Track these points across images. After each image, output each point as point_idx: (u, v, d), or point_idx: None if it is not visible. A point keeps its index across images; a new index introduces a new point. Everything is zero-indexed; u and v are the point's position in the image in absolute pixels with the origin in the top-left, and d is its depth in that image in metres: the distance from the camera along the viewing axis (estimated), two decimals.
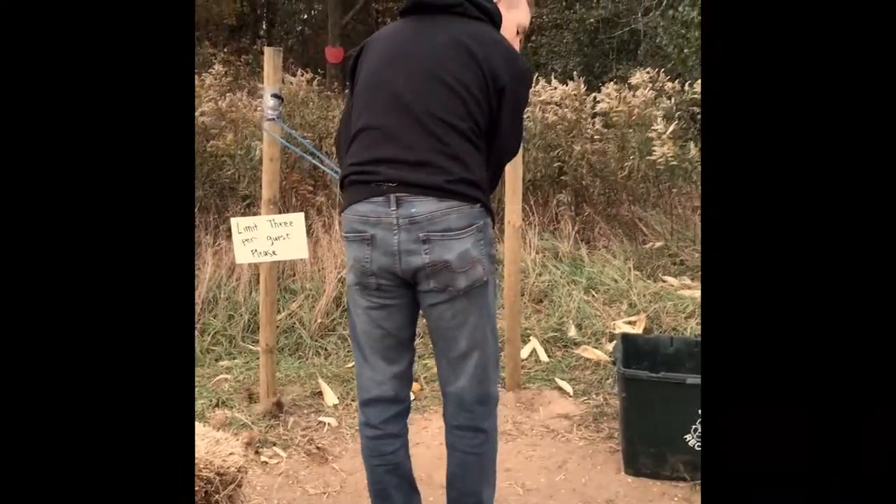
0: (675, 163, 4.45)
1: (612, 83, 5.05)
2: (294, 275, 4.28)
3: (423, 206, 1.75)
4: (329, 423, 3.17)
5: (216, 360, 3.74)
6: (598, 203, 4.98)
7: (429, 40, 1.83)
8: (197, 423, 2.29)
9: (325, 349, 3.87)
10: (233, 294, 4.08)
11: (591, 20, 9.35)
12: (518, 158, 3.24)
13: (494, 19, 1.91)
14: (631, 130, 4.78)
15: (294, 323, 3.96)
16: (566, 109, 4.75)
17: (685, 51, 7.28)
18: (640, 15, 8.73)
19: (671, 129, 4.37)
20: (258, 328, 3.96)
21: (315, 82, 5.81)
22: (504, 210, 3.34)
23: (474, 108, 1.79)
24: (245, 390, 3.38)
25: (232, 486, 2.04)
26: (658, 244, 4.94)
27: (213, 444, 2.11)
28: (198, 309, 4.01)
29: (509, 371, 3.39)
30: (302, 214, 3.17)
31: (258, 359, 3.74)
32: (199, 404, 3.25)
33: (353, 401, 3.36)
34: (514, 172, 3.26)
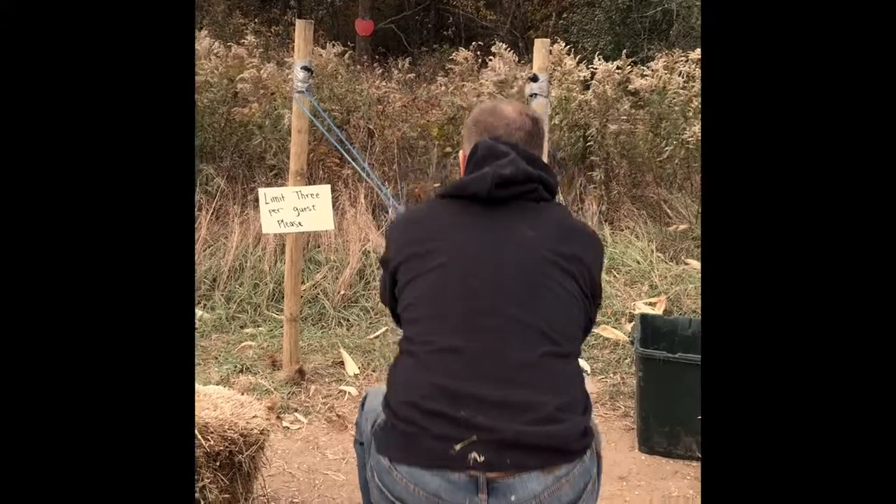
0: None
1: (659, 60, 5.04)
2: (318, 246, 4.34)
3: (526, 489, 1.34)
4: (349, 392, 3.23)
5: (241, 328, 3.81)
6: (623, 183, 4.98)
7: (511, 240, 1.47)
8: (221, 387, 2.36)
9: (348, 320, 3.93)
10: (258, 263, 4.14)
11: None
12: (545, 137, 3.25)
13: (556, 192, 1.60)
14: (665, 109, 4.78)
15: (318, 293, 4.03)
16: (605, 86, 4.74)
17: None
18: None
19: None
20: (283, 297, 4.03)
21: (347, 56, 5.83)
22: None
23: (577, 314, 1.48)
24: (268, 357, 3.46)
25: (254, 447, 2.10)
26: (682, 226, 4.94)
27: (237, 407, 2.18)
28: (224, 277, 4.09)
29: None
30: (328, 187, 3.21)
31: (282, 327, 3.82)
32: (224, 370, 3.32)
33: (373, 371, 3.42)
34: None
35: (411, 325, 1.49)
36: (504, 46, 5.35)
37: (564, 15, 10.34)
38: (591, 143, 4.92)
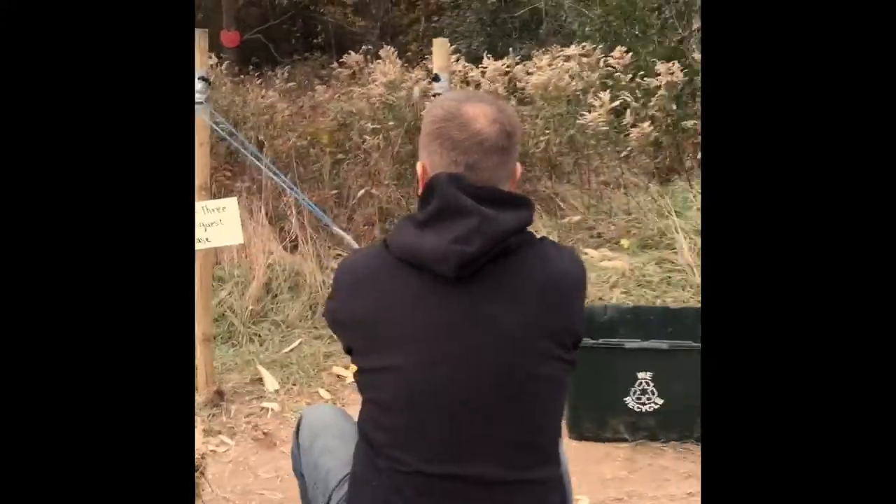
0: (605, 128, 4.62)
1: (544, 56, 5.16)
2: (219, 262, 4.21)
3: None
4: (272, 409, 3.16)
5: None
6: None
7: (485, 332, 1.29)
8: None
9: (259, 336, 3.84)
10: None
11: (493, 0, 9.46)
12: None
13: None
14: (551, 104, 4.91)
15: (224, 311, 3.91)
16: (497, 85, 4.82)
17: (587, 28, 7.46)
18: None
19: (608, 100, 4.54)
20: None
21: (225, 66, 5.70)
22: None
23: (563, 399, 1.41)
24: None
25: (196, 473, 2.02)
26: (576, 218, 5.09)
27: None
28: None
29: None
30: (235, 199, 3.13)
31: None
32: None
33: (293, 385, 3.36)
34: None
35: (377, 428, 1.36)
36: (392, 50, 5.35)
37: (435, 18, 10.44)
38: None
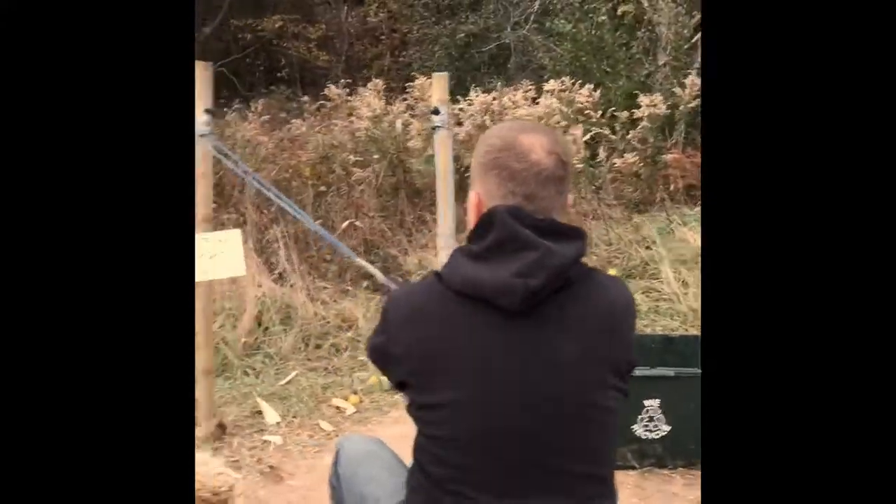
0: (580, 165, 4.70)
1: (518, 91, 5.26)
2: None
3: None
4: (274, 442, 3.12)
5: None
6: None
7: (545, 365, 1.28)
8: None
9: (254, 368, 3.80)
10: None
11: (461, 35, 9.58)
12: (447, 170, 3.32)
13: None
14: None
15: (217, 343, 3.87)
16: (485, 117, 4.89)
17: (557, 65, 7.61)
18: (509, 29, 9.04)
19: (580, 135, 4.61)
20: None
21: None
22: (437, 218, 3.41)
23: (616, 428, 1.40)
24: None
25: None
26: None
27: (199, 465, 2.07)
28: None
29: None
30: (238, 231, 3.12)
31: None
32: None
33: (294, 417, 3.33)
34: (443, 181, 3.34)
35: (438, 463, 1.33)
36: (380, 83, 5.40)
37: (403, 53, 10.54)
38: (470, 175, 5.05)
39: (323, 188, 5.42)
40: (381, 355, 1.44)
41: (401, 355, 1.36)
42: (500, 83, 5.17)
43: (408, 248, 5.12)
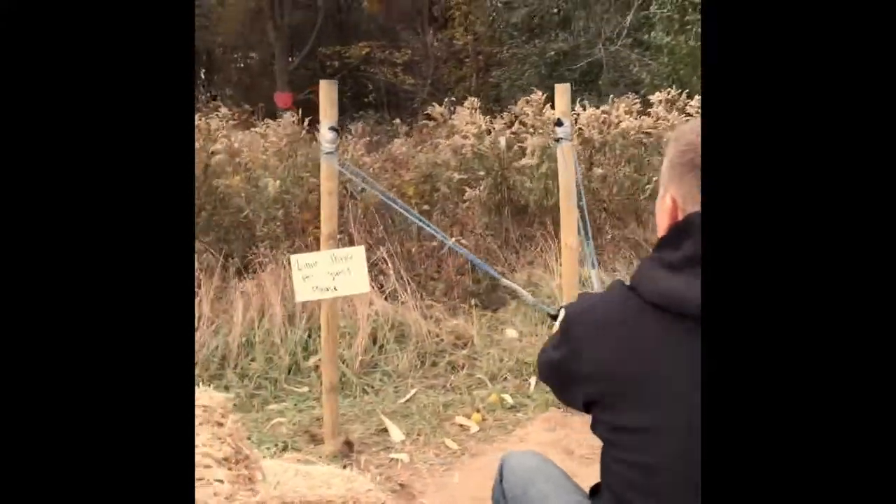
0: None
1: (619, 105, 5.18)
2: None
3: None
4: (402, 460, 3.09)
5: (264, 405, 3.62)
6: (611, 226, 5.06)
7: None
8: (324, 465, 2.22)
9: (372, 386, 3.79)
10: (267, 336, 3.97)
11: (552, 53, 9.55)
12: (571, 182, 3.26)
13: None
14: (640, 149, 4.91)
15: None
16: (592, 131, 4.83)
17: (655, 80, 7.50)
18: (601, 46, 8.95)
19: None
20: (300, 370, 3.88)
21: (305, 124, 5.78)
22: (560, 232, 3.35)
23: None
24: (304, 432, 3.29)
25: None
26: None
27: (347, 482, 2.04)
28: (233, 354, 3.90)
29: None
30: (363, 248, 3.12)
31: (306, 400, 3.66)
32: (264, 450, 3.14)
33: (418, 435, 3.29)
34: (567, 193, 3.28)
35: (639, 491, 1.23)
36: (476, 101, 5.39)
37: (494, 72, 10.56)
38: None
39: (426, 207, 5.42)
40: (561, 373, 1.36)
41: (591, 373, 1.26)
42: (611, 97, 5.08)
43: (515, 265, 5.08)
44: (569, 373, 1.33)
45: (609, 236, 4.99)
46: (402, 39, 15.43)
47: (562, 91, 3.27)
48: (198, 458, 1.45)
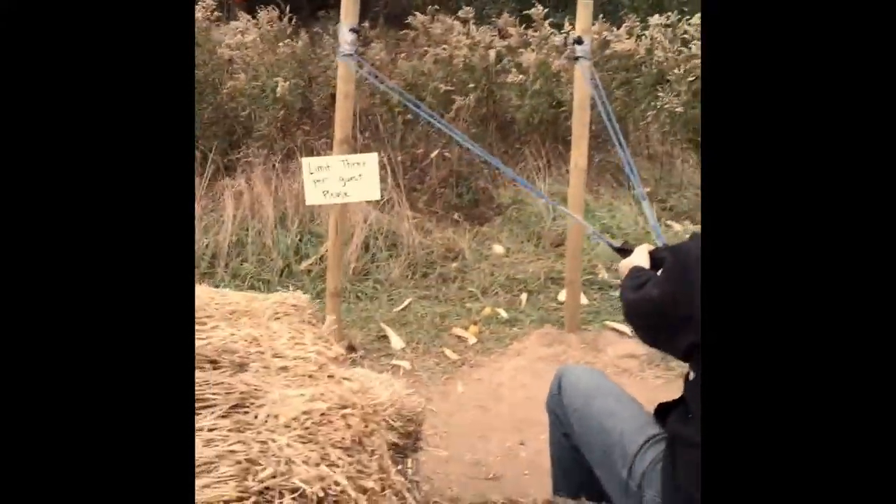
0: (680, 108, 4.63)
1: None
2: (313, 219, 4.16)
3: None
4: (403, 367, 3.14)
5: None
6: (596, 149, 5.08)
7: None
8: (361, 368, 2.22)
9: (365, 294, 3.80)
10: (258, 237, 3.92)
11: None
12: (585, 102, 3.25)
13: None
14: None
15: (326, 268, 3.87)
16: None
17: (636, 1, 7.41)
18: None
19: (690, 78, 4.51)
20: (291, 273, 3.86)
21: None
22: (571, 153, 3.35)
23: None
24: None
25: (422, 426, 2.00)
26: (647, 190, 5.10)
27: (385, 386, 2.06)
28: (223, 253, 3.85)
29: (570, 314, 3.45)
30: (375, 155, 3.08)
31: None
32: None
33: (417, 343, 3.34)
34: (580, 115, 3.27)
35: None
36: (470, 10, 5.29)
37: None
38: (566, 108, 4.97)
39: (410, 117, 5.34)
40: (667, 315, 1.38)
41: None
42: (600, 15, 4.99)
43: (498, 181, 5.08)
44: (676, 316, 1.35)
45: (599, 159, 5.01)
46: None
47: (584, 7, 3.21)
48: (312, 356, 1.46)
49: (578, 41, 3.20)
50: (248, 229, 3.93)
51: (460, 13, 5.38)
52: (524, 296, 3.85)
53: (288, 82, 4.41)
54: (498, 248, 4.35)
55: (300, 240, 3.98)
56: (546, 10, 5.25)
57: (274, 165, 4.24)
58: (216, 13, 5.15)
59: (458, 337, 3.43)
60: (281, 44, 5.02)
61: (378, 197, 3.13)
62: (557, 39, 5.07)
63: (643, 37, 5.05)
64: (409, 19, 5.89)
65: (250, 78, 4.49)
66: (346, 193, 3.05)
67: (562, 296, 3.80)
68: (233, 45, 4.75)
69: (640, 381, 3.10)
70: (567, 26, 5.25)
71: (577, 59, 3.22)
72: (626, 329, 3.49)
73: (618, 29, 5.18)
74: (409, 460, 2.09)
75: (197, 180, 4.08)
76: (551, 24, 5.37)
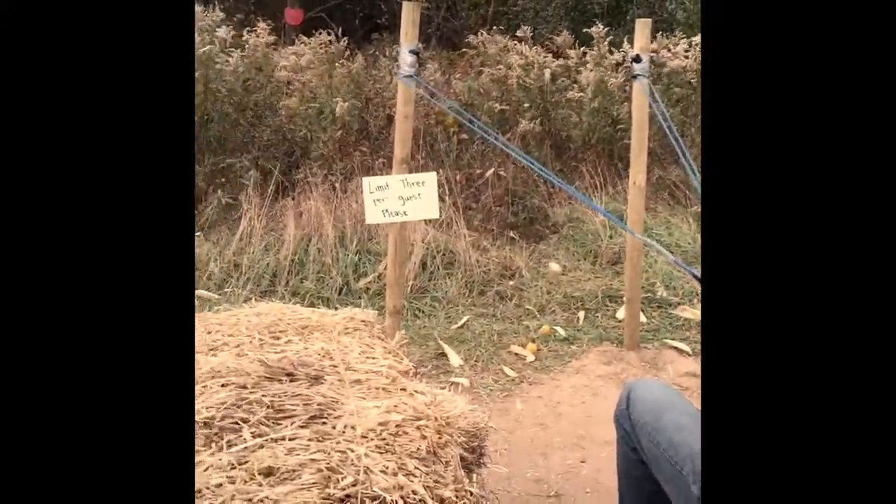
0: None
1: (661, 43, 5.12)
2: (370, 238, 4.21)
3: None
4: (462, 384, 3.15)
5: None
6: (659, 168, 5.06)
7: None
8: (415, 382, 2.25)
9: (423, 311, 3.84)
10: (318, 256, 3.99)
11: None
12: (644, 120, 3.25)
13: None
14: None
15: (384, 286, 3.92)
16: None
17: (690, 19, 7.39)
18: None
19: None
20: (350, 291, 3.91)
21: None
22: (630, 170, 3.35)
23: None
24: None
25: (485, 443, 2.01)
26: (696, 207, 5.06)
27: (448, 403, 2.08)
28: (284, 272, 3.92)
29: (629, 331, 3.43)
30: (434, 174, 3.12)
31: None
32: None
33: (476, 361, 3.35)
34: (639, 133, 3.27)
35: None
36: (528, 29, 5.32)
37: (519, 1, 10.37)
38: (623, 126, 4.97)
39: (465, 136, 5.39)
40: None
41: None
42: (659, 33, 5.00)
43: (554, 200, 5.09)
44: None
45: (656, 177, 4.99)
46: None
47: (642, 26, 3.23)
48: (384, 370, 1.49)
49: (637, 59, 3.21)
50: (307, 248, 3.99)
51: (518, 32, 5.42)
52: (581, 313, 3.85)
53: (347, 103, 4.49)
54: (554, 266, 4.35)
55: (359, 258, 4.04)
56: (606, 29, 5.25)
57: (333, 185, 4.32)
58: (272, 36, 5.28)
59: (516, 354, 3.44)
60: (337, 65, 5.13)
61: (437, 216, 3.16)
62: (615, 57, 5.07)
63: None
64: (470, 38, 5.96)
65: (308, 99, 4.58)
66: (405, 212, 3.09)
67: (620, 313, 3.78)
68: (288, 66, 4.85)
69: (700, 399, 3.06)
70: (625, 45, 5.28)
71: (635, 77, 3.23)
72: (686, 347, 3.46)
73: (675, 47, 5.16)
74: (474, 475, 2.11)
75: (258, 200, 4.17)
76: (609, 43, 5.39)
